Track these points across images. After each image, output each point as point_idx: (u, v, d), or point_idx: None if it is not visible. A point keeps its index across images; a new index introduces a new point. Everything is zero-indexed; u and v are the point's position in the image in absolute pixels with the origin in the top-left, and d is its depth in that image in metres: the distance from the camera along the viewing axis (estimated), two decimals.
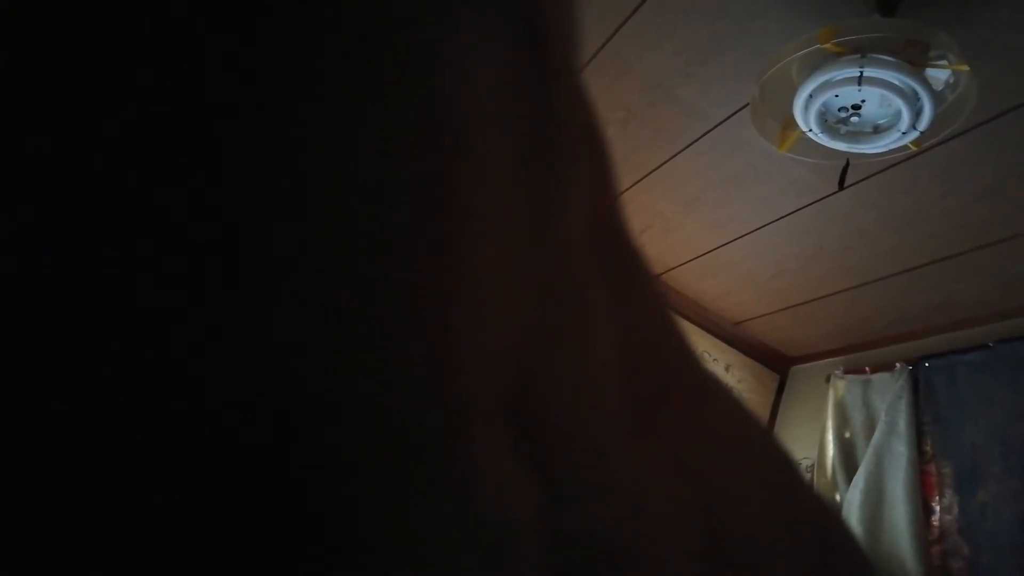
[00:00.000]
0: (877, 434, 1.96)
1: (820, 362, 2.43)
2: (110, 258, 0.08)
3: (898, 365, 2.03)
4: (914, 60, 1.14)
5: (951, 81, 1.20)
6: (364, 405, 0.10)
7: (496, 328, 0.12)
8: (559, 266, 0.14)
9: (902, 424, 1.91)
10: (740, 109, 1.51)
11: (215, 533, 0.09)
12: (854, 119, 1.25)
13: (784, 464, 0.22)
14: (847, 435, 2.12)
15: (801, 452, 2.22)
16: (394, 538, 0.10)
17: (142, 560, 0.08)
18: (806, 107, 1.22)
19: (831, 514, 0.23)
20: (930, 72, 1.17)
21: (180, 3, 0.09)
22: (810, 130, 1.26)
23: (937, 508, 1.79)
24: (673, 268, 2.19)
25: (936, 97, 1.16)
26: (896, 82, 1.14)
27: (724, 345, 2.47)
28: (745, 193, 1.78)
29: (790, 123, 1.29)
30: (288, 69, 0.09)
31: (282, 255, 0.09)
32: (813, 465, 2.16)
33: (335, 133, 0.10)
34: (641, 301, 0.18)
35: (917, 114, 1.18)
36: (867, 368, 2.15)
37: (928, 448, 1.87)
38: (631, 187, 1.85)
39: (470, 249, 0.11)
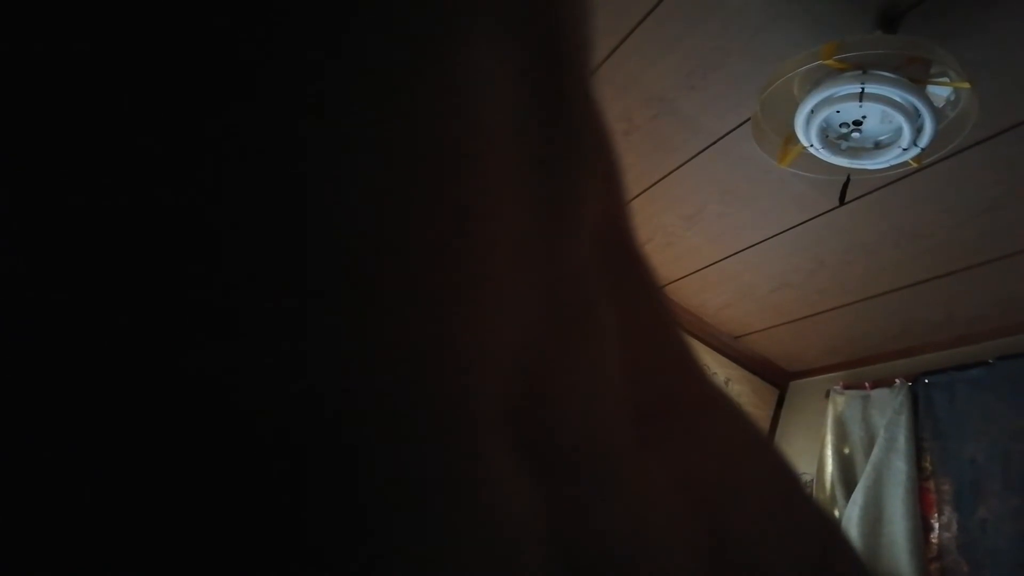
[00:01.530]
0: (876, 450, 1.95)
1: (819, 377, 2.43)
2: (117, 258, 0.08)
3: (897, 381, 2.02)
4: (915, 77, 1.15)
5: (952, 98, 1.20)
6: (366, 406, 0.10)
7: (502, 332, 0.12)
8: (567, 272, 0.14)
9: (901, 440, 1.91)
10: (742, 123, 1.52)
11: (215, 537, 0.09)
12: (855, 135, 1.25)
13: (785, 473, 0.22)
14: (846, 451, 2.11)
15: (800, 467, 2.21)
16: (396, 540, 0.10)
17: (145, 562, 0.09)
18: (807, 122, 1.22)
19: (831, 523, 0.23)
20: (931, 89, 1.18)
21: (183, 30, 0.09)
22: (811, 145, 1.26)
23: (936, 525, 1.78)
24: (674, 281, 2.19)
25: (937, 114, 1.16)
26: (897, 99, 1.14)
27: (724, 359, 2.46)
28: (746, 207, 1.78)
29: (791, 138, 1.29)
30: (295, 80, 0.09)
31: (284, 259, 0.09)
32: (812, 480, 2.15)
33: (339, 138, 0.10)
34: (646, 309, 0.18)
35: (918, 131, 1.18)
36: (866, 383, 2.15)
37: (927, 464, 1.86)
38: (632, 200, 1.85)
39: (477, 253, 0.11)
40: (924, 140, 1.19)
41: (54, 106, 0.08)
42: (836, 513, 1.99)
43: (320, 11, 0.10)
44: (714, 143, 1.61)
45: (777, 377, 2.56)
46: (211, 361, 0.09)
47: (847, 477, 2.05)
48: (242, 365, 0.09)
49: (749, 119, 1.44)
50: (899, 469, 1.87)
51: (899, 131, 1.20)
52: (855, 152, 1.27)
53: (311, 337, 0.09)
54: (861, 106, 1.17)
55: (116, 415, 0.08)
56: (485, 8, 0.12)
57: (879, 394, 2.08)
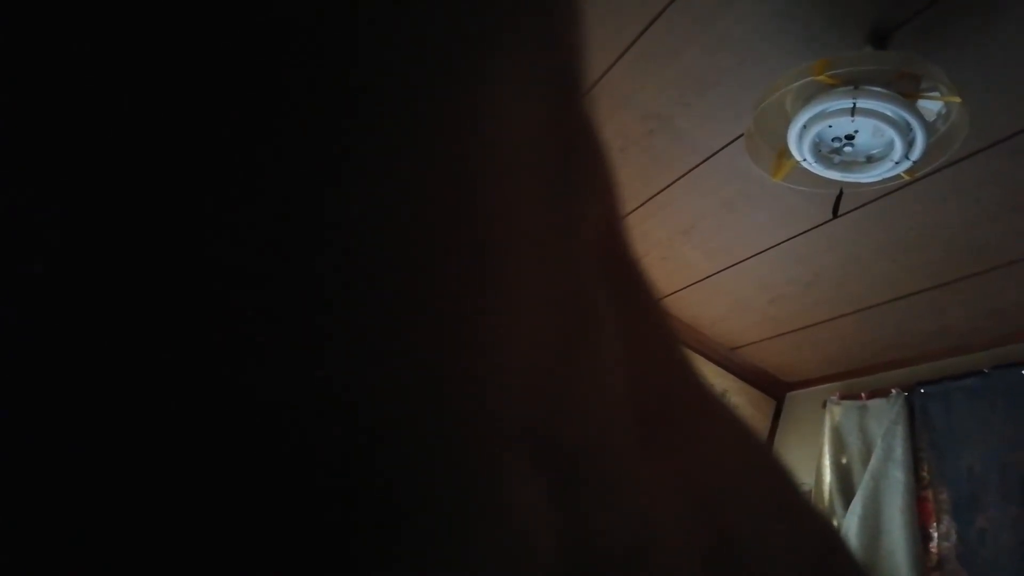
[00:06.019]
0: (873, 460, 1.95)
1: (816, 388, 2.43)
2: (137, 254, 0.08)
3: (894, 391, 2.03)
4: (906, 91, 1.16)
5: (943, 112, 1.21)
6: (396, 424, 0.10)
7: (518, 343, 0.12)
8: (575, 285, 0.14)
9: (898, 450, 1.91)
10: (736, 139, 1.53)
11: (231, 536, 0.09)
12: (847, 149, 1.26)
13: (783, 478, 0.22)
14: (843, 461, 2.11)
15: (798, 478, 2.20)
16: (423, 549, 0.10)
17: (155, 561, 0.09)
18: (800, 137, 1.23)
19: (830, 528, 0.23)
20: (922, 103, 1.19)
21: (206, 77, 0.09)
22: (804, 160, 1.27)
23: (935, 535, 1.77)
24: (670, 294, 2.19)
25: (928, 128, 1.18)
26: (889, 113, 1.15)
27: (720, 370, 2.46)
28: (741, 221, 1.79)
29: (785, 153, 1.30)
30: (320, 101, 0.10)
31: (312, 279, 0.09)
32: (810, 491, 2.15)
33: (364, 154, 0.10)
34: (645, 319, 0.19)
35: (910, 144, 1.19)
36: (863, 394, 2.15)
37: (925, 474, 1.86)
38: (629, 214, 1.86)
39: (496, 269, 0.12)
40: (916, 153, 1.20)
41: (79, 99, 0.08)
42: (835, 523, 1.98)
43: (344, 35, 0.10)
44: (709, 158, 1.62)
45: (774, 388, 2.56)
46: (235, 369, 0.09)
47: (845, 487, 2.05)
48: (263, 375, 0.09)
49: (743, 134, 1.45)
50: (897, 479, 1.87)
51: (891, 145, 1.21)
52: (848, 166, 1.29)
53: (334, 350, 0.09)
54: (853, 121, 1.18)
55: (133, 411, 0.08)
56: (510, 29, 0.12)
57: (876, 404, 2.08)
